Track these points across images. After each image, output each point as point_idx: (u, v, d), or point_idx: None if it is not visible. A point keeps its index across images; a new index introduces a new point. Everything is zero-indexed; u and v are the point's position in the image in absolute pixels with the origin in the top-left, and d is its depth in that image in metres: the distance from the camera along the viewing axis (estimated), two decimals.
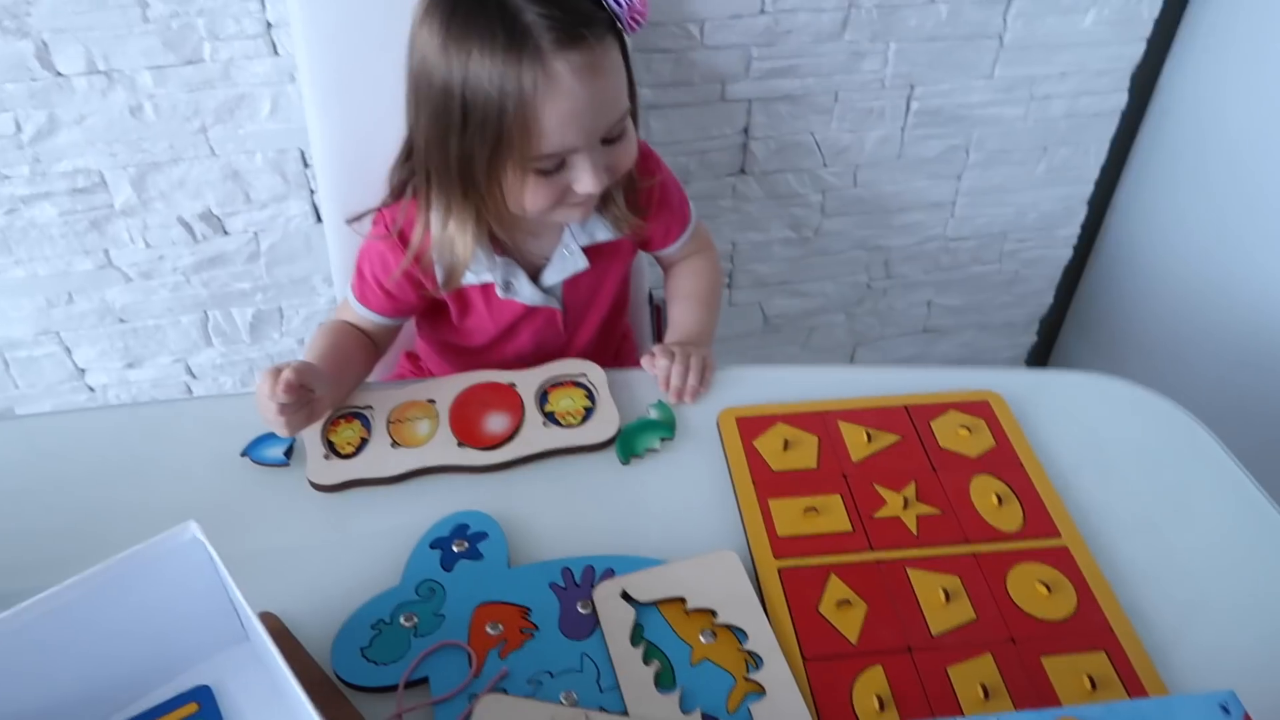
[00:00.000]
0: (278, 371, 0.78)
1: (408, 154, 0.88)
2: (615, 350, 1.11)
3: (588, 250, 0.95)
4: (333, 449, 0.85)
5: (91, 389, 1.33)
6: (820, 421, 0.87)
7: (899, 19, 1.19)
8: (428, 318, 1.02)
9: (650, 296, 1.17)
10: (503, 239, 0.92)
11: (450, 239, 0.87)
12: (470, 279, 0.93)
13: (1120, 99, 1.34)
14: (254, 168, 1.15)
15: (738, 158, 1.28)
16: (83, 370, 1.30)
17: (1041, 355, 1.68)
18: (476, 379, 0.91)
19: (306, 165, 1.17)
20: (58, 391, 1.31)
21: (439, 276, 0.91)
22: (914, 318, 1.54)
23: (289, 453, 0.85)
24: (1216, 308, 1.31)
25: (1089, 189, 1.43)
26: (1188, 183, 1.34)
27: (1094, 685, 0.67)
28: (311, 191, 1.19)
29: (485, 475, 0.84)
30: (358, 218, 0.94)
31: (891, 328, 1.54)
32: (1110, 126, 1.37)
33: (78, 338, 1.26)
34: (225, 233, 1.21)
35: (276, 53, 1.08)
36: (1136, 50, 1.29)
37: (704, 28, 1.15)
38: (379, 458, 0.84)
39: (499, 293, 0.94)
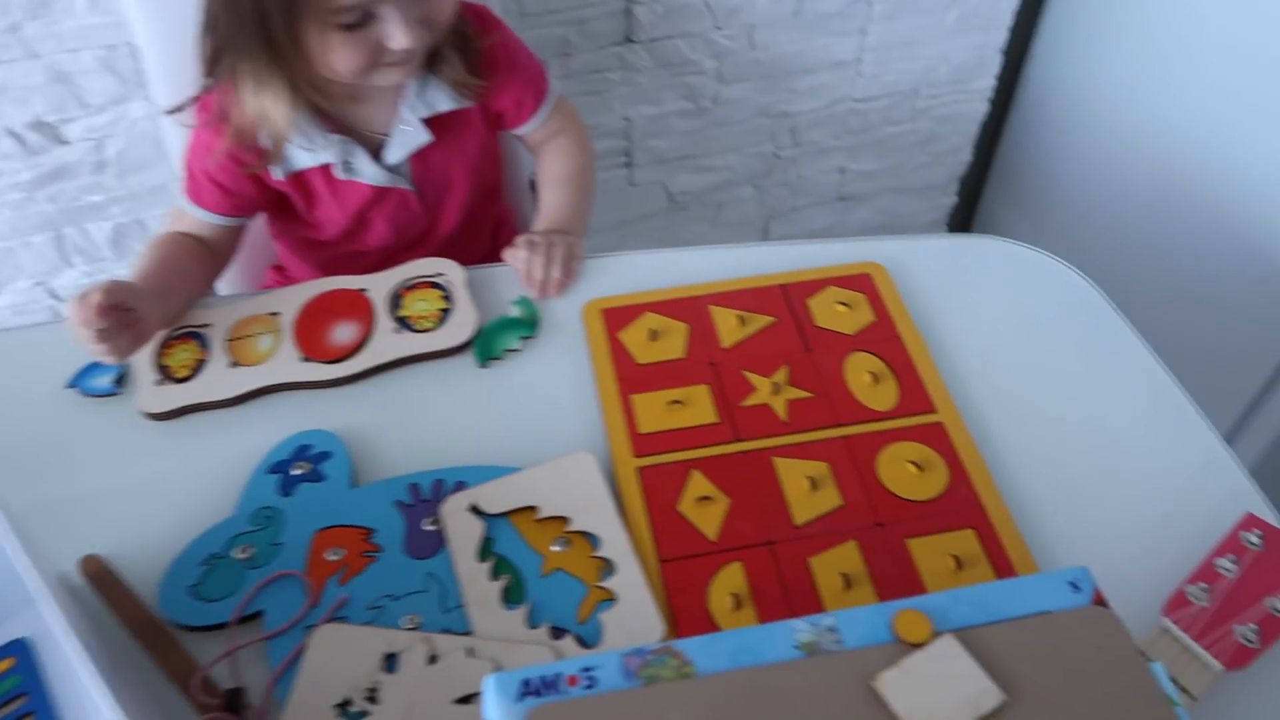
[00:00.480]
0: (87, 295, 0.71)
1: (209, 23, 0.79)
2: (492, 238, 1.05)
3: (431, 123, 0.88)
4: (167, 373, 0.79)
5: None
6: (691, 308, 0.82)
7: None
8: (279, 216, 0.94)
9: (532, 183, 1.10)
10: (332, 113, 0.85)
11: (264, 112, 0.80)
12: (307, 160, 0.86)
13: None
14: (82, 68, 1.05)
15: (621, 25, 1.18)
16: None
17: (964, 217, 1.63)
18: (323, 287, 0.84)
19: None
20: None
21: (267, 159, 0.84)
22: (827, 186, 1.47)
23: (120, 380, 0.79)
24: (1141, 158, 1.25)
25: (1003, 36, 1.35)
26: (1109, 26, 1.26)
27: (959, 565, 0.64)
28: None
29: (332, 391, 0.78)
30: (179, 108, 0.85)
31: (804, 198, 1.48)
32: None
33: None
34: (63, 142, 1.11)
35: None
36: None
37: None
38: (217, 379, 0.78)
39: (338, 173, 0.87)
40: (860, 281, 0.83)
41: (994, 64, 1.38)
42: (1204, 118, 1.15)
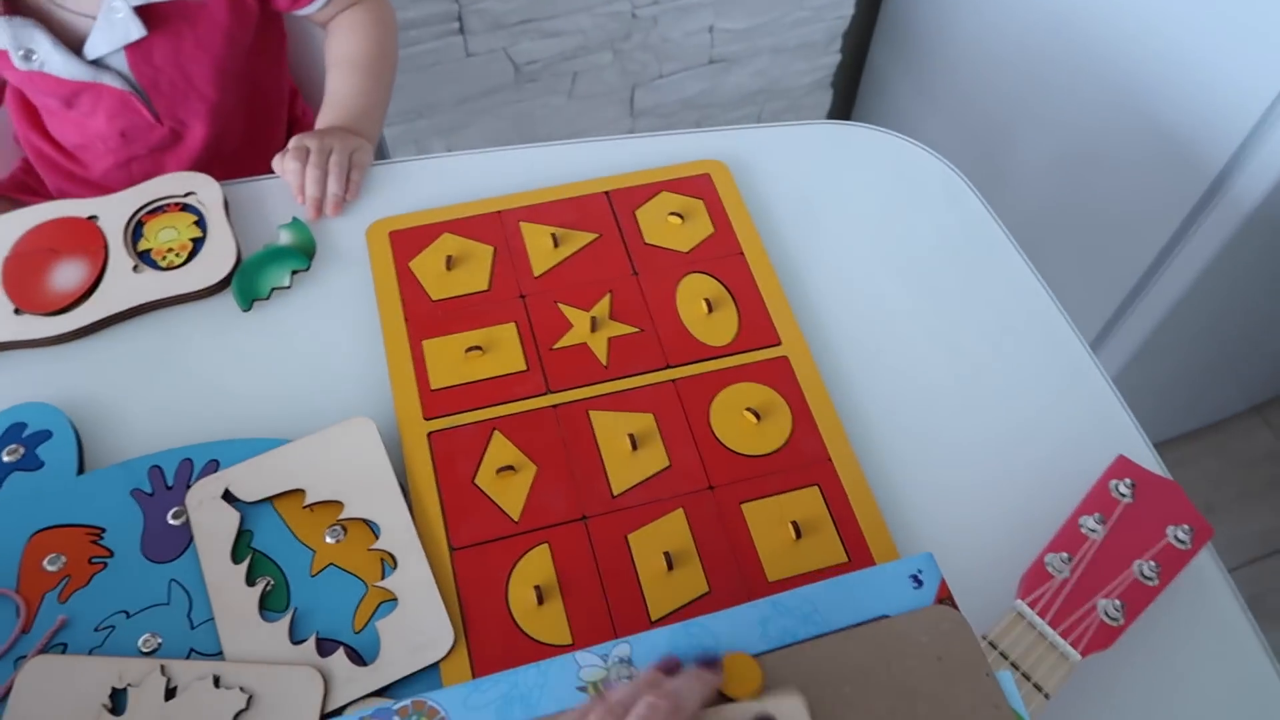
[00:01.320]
0: None
1: None
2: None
3: (152, 10, 0.71)
4: None
5: None
6: (498, 225, 0.68)
7: None
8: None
9: None
10: None
11: None
12: None
13: None
14: None
15: None
16: None
17: (850, 76, 1.49)
18: (41, 215, 0.68)
19: None
20: None
21: None
22: (696, 48, 1.31)
23: None
24: (1034, 10, 1.12)
25: None
26: None
27: (799, 533, 0.55)
28: None
29: (54, 350, 0.64)
30: None
31: (671, 63, 1.32)
32: None
33: None
34: None
35: None
36: None
37: None
38: None
39: (16, 62, 0.70)
40: (698, 185, 0.71)
41: None
42: None
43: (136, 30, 0.71)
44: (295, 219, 0.69)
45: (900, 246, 0.69)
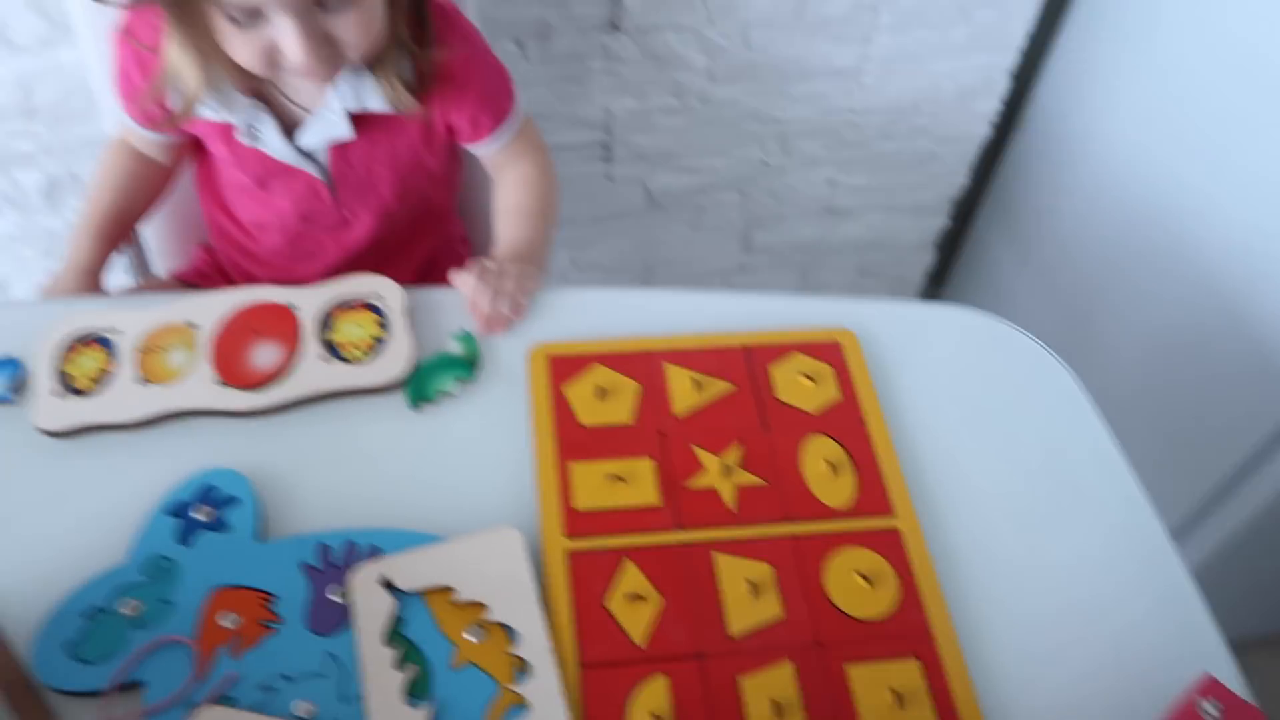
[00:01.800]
0: None
1: None
2: (430, 262, 0.98)
3: (361, 118, 0.80)
4: (67, 383, 0.72)
5: None
6: (645, 364, 0.76)
7: None
8: (196, 160, 0.89)
9: None
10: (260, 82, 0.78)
11: (175, 63, 0.74)
12: (208, 114, 0.78)
13: None
14: (6, 5, 0.95)
15: (606, 10, 1.09)
16: None
17: (954, 239, 1.56)
18: (248, 297, 0.77)
19: None
20: None
21: (173, 115, 0.79)
22: (815, 197, 1.40)
23: (17, 387, 0.72)
24: (1139, 206, 1.19)
25: (1012, 58, 1.27)
26: (1124, 61, 1.19)
27: (900, 702, 0.59)
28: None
29: (248, 421, 0.72)
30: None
31: (790, 207, 1.41)
32: None
33: None
34: None
35: None
36: None
37: None
38: (122, 397, 0.71)
39: (240, 137, 0.80)
40: (829, 351, 0.77)
41: (1001, 87, 1.31)
42: (1206, 182, 1.09)
43: (346, 131, 0.80)
44: (466, 331, 0.77)
45: (1004, 435, 0.74)
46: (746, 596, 0.63)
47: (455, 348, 0.76)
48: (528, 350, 0.76)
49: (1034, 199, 1.39)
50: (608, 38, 1.12)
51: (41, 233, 1.17)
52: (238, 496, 0.67)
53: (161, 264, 1.02)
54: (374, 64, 0.77)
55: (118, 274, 0.90)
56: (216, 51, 0.72)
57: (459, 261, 0.99)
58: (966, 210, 1.51)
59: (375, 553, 0.64)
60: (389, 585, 0.63)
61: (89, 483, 0.68)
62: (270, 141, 0.81)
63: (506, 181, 0.89)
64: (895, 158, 1.36)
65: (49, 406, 0.70)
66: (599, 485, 0.68)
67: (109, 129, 1.06)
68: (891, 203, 1.44)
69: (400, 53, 0.77)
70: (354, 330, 0.76)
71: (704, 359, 0.76)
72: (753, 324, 0.79)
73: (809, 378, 0.75)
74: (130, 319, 0.75)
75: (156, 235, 1.01)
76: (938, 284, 1.65)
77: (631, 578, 0.64)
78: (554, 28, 1.09)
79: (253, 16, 0.67)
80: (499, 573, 0.64)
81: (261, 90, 0.80)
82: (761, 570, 0.65)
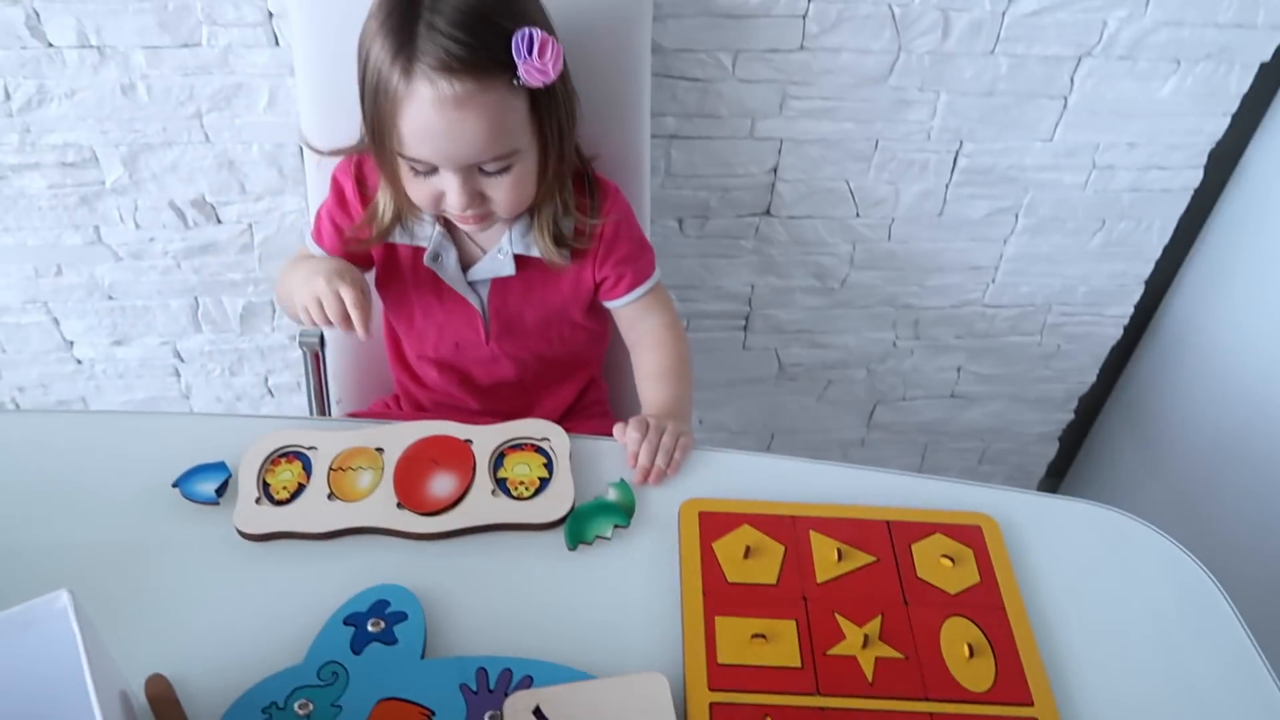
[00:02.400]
0: (336, 296, 0.82)
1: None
2: (574, 400, 1.06)
3: (523, 262, 0.92)
4: (267, 492, 0.80)
5: (79, 361, 1.30)
6: (790, 528, 0.79)
7: (953, 68, 1.08)
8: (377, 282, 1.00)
9: None
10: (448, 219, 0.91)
11: (380, 204, 0.89)
12: (403, 237, 0.92)
13: (1194, 176, 1.22)
14: (250, 159, 1.10)
15: (764, 198, 1.19)
16: (70, 342, 1.27)
17: (1077, 434, 1.57)
18: (431, 430, 0.84)
19: (304, 140, 1.11)
20: (44, 360, 1.29)
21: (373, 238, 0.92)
22: (942, 381, 1.44)
23: (222, 489, 0.80)
24: (1270, 424, 1.19)
25: (1148, 268, 1.32)
26: (1262, 275, 1.22)
27: None
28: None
29: (420, 543, 0.78)
30: (330, 151, 0.94)
31: (915, 389, 1.45)
32: (1179, 205, 1.25)
33: (66, 310, 1.23)
34: (218, 221, 1.16)
35: (277, 43, 1.02)
36: (1218, 126, 1.16)
37: (737, 59, 1.06)
38: (312, 509, 0.79)
39: (426, 259, 0.92)
40: (970, 534, 0.80)
41: (1135, 293, 1.35)
42: None
43: (510, 269, 0.92)
44: (622, 480, 0.82)
45: (1141, 630, 0.74)
46: None
47: (612, 495, 0.81)
48: (679, 504, 0.81)
49: (1161, 401, 1.40)
50: (761, 220, 1.21)
51: (231, 350, 1.30)
52: (407, 612, 0.72)
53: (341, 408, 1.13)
54: (537, 218, 0.90)
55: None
56: (400, 190, 0.86)
57: (600, 412, 1.07)
58: (1092, 406, 1.53)
59: (529, 682, 0.68)
60: (540, 715, 0.66)
61: (277, 584, 0.74)
62: (448, 266, 0.92)
63: (645, 347, 0.97)
64: (1024, 351, 1.40)
65: (250, 512, 0.78)
66: (743, 642, 0.71)
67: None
68: (1017, 394, 1.46)
69: (563, 214, 0.90)
70: (522, 469, 0.82)
71: (848, 529, 0.79)
72: (890, 500, 0.82)
73: (949, 558, 0.77)
74: (326, 439, 0.84)
75: (339, 385, 1.13)
76: (1058, 476, 1.64)
77: None
78: (714, 210, 1.19)
79: (429, 169, 0.82)
80: (644, 716, 0.66)
81: (450, 228, 0.92)
82: None
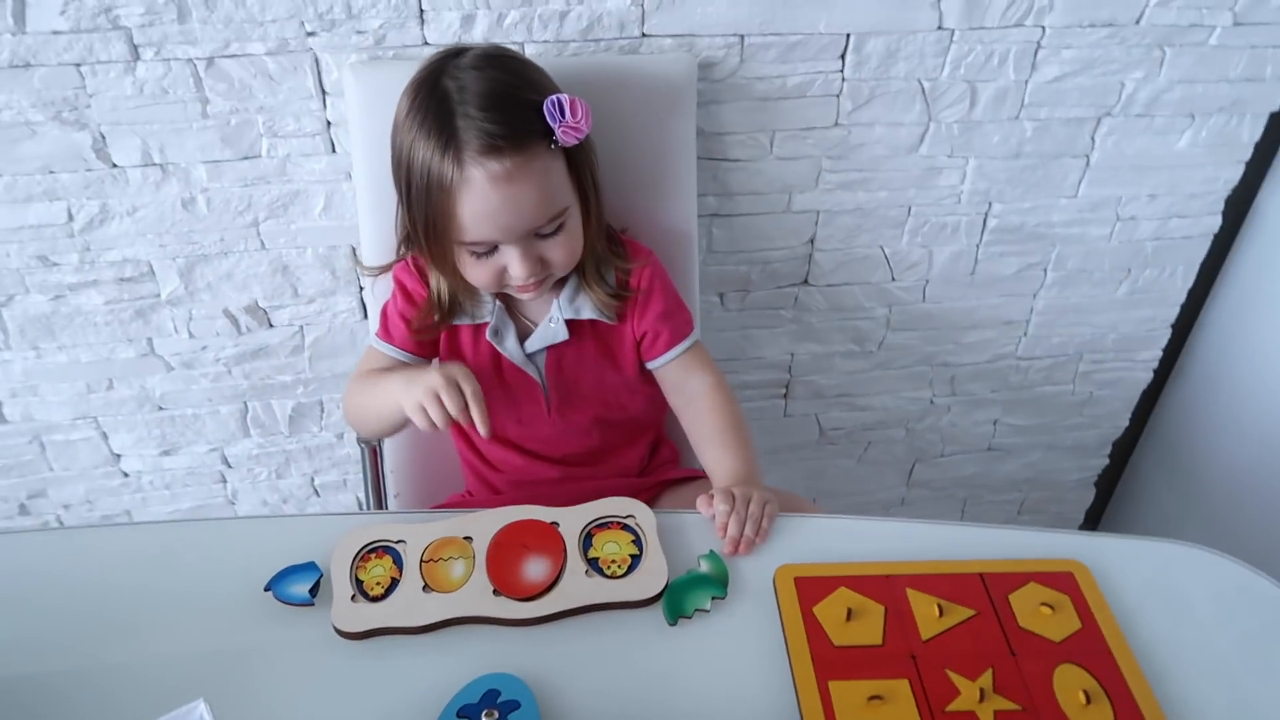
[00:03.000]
0: (455, 389, 0.84)
1: (400, 211, 0.91)
2: (646, 459, 1.08)
3: (574, 328, 0.95)
4: (361, 589, 0.80)
5: (125, 474, 1.29)
6: (887, 587, 0.80)
7: (980, 134, 1.13)
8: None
9: None
10: (503, 296, 0.95)
11: (439, 291, 0.93)
12: (465, 321, 0.96)
13: (1213, 222, 1.26)
14: (304, 262, 1.12)
15: (802, 268, 1.23)
16: (118, 455, 1.27)
17: (1112, 478, 1.59)
18: (517, 515, 0.85)
19: (358, 261, 1.13)
20: (91, 476, 1.28)
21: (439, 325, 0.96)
22: (978, 436, 1.46)
23: (314, 590, 0.80)
24: None
25: (1174, 312, 1.35)
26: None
27: None
28: (360, 288, 1.15)
29: (521, 630, 0.78)
30: (380, 269, 0.99)
31: (953, 445, 1.46)
32: (1200, 250, 1.29)
33: (115, 423, 1.23)
34: (270, 325, 1.17)
35: (334, 150, 1.05)
36: (1234, 174, 1.21)
37: (774, 138, 1.10)
38: (409, 603, 0.78)
39: (489, 335, 0.95)
40: (1063, 581, 0.80)
41: (1163, 337, 1.38)
42: None
43: (563, 334, 0.95)
44: (712, 551, 0.83)
45: (1242, 667, 0.75)
46: None
47: (704, 567, 0.82)
48: (772, 571, 0.81)
49: (1194, 439, 1.42)
50: (799, 290, 1.24)
51: (279, 452, 1.30)
52: (518, 701, 0.71)
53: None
54: (583, 276, 0.93)
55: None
56: (458, 278, 0.90)
57: (667, 476, 1.07)
58: (1126, 450, 1.54)
59: None
60: None
61: (383, 681, 0.74)
62: (508, 342, 0.96)
63: (693, 404, 0.98)
64: (1057, 400, 1.42)
65: (346, 611, 0.78)
66: (860, 705, 0.71)
67: (355, 362, 1.22)
68: (1053, 442, 1.48)
69: (604, 263, 0.94)
70: (612, 547, 0.83)
71: (943, 584, 0.80)
72: (975, 553, 0.83)
73: (1049, 606, 0.78)
74: (414, 532, 0.84)
75: (398, 480, 1.13)
76: (1094, 521, 1.65)
77: None
78: (754, 282, 1.22)
79: (489, 249, 0.86)
80: None
81: (506, 303, 0.96)
82: None
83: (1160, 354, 1.40)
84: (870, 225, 1.19)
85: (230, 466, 1.31)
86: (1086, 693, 0.71)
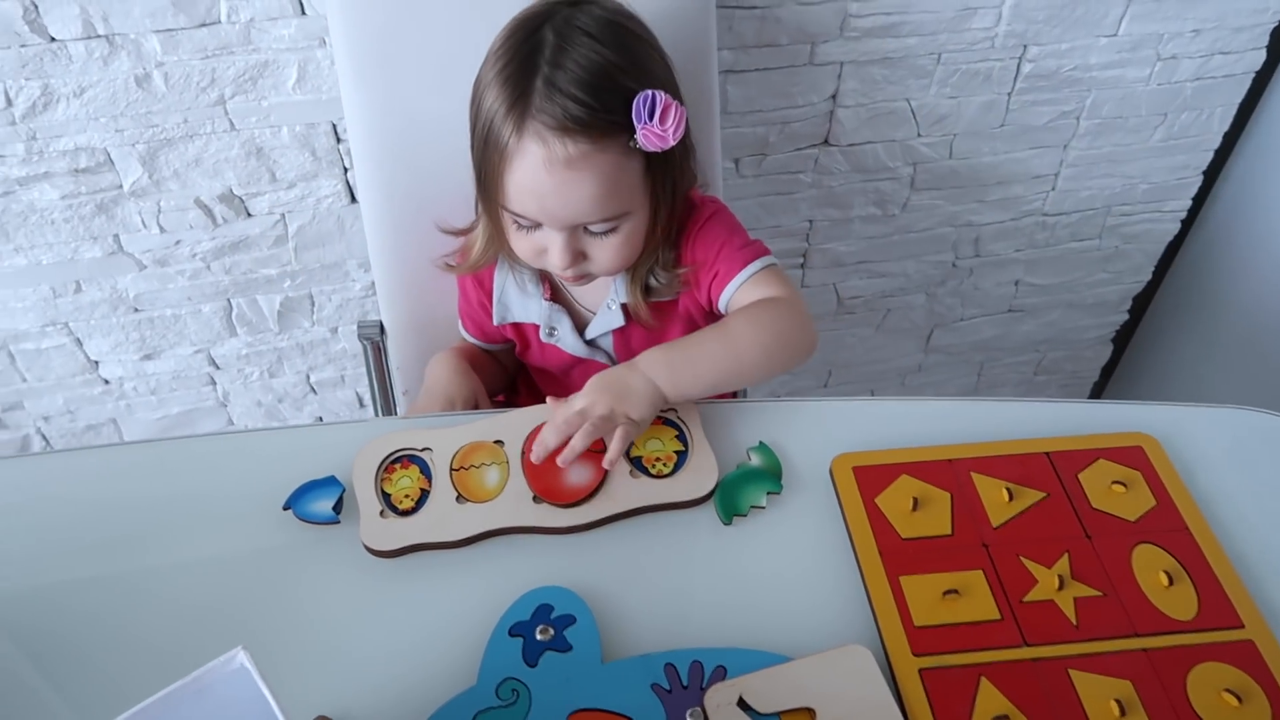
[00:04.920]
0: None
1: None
2: None
3: (636, 306, 0.87)
4: (389, 503, 0.74)
5: (106, 381, 1.21)
6: (950, 472, 0.75)
7: None
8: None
9: None
10: (554, 282, 0.88)
11: (471, 242, 0.86)
12: (519, 315, 0.90)
13: (1256, 58, 1.17)
14: (279, 143, 1.01)
15: (823, 127, 1.13)
16: (96, 362, 1.19)
17: (1127, 333, 1.55)
18: (549, 414, 0.78)
19: (339, 140, 1.03)
20: (69, 385, 1.20)
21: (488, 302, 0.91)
22: (999, 297, 1.40)
23: (339, 506, 0.74)
24: None
25: (1207, 158, 1.28)
26: None
27: None
28: (345, 169, 1.05)
29: (567, 538, 0.73)
30: (450, 263, 0.91)
31: (973, 308, 1.41)
32: (1240, 90, 1.21)
33: (89, 328, 1.14)
34: (248, 215, 1.07)
35: (304, 12, 0.93)
36: None
37: None
38: (443, 516, 0.73)
39: (542, 336, 0.89)
40: (1133, 456, 0.76)
41: (1193, 185, 1.31)
42: None
43: (619, 320, 0.87)
44: (762, 443, 0.77)
45: None
46: (1116, 716, 0.61)
47: (754, 460, 0.76)
48: (829, 461, 0.76)
49: (1212, 288, 1.38)
50: (819, 151, 1.15)
51: (269, 350, 1.22)
52: (574, 615, 0.67)
53: None
54: (634, 271, 0.84)
55: None
56: (503, 236, 0.82)
57: None
58: (1144, 304, 1.50)
59: (723, 673, 0.64)
60: (745, 705, 0.62)
61: (424, 601, 0.69)
62: (565, 338, 0.89)
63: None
64: (1082, 257, 1.36)
65: (376, 528, 0.72)
66: (935, 600, 0.67)
67: (345, 251, 1.12)
68: (1074, 300, 1.43)
69: (659, 269, 0.84)
70: (655, 445, 0.77)
71: (1009, 466, 0.75)
72: (1034, 430, 0.78)
73: (1121, 484, 0.74)
74: (439, 438, 0.78)
75: (406, 377, 1.07)
76: (1107, 378, 1.63)
77: (990, 698, 0.62)
78: (772, 145, 1.13)
79: (533, 224, 0.77)
80: (855, 693, 0.62)
81: (559, 296, 0.89)
82: (1123, 688, 0.63)
83: (1189, 203, 1.34)
84: (897, 77, 1.09)
85: (219, 368, 1.23)
86: (1168, 573, 0.68)
